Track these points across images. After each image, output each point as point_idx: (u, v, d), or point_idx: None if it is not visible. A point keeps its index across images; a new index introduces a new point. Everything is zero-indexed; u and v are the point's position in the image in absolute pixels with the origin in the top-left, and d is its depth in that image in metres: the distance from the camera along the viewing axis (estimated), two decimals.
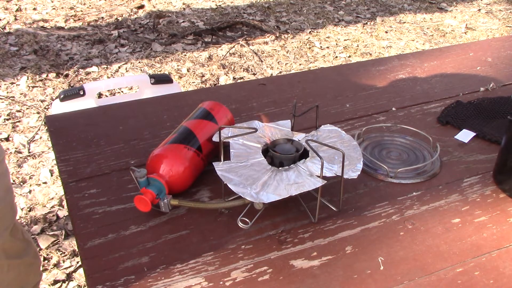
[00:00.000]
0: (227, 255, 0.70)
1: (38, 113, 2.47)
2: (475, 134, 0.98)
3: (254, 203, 0.73)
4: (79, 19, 3.50)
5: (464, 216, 0.78)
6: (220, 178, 0.73)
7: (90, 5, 3.75)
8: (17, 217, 1.10)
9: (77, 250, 0.68)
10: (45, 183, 2.02)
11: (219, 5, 3.89)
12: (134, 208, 0.76)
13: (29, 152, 2.20)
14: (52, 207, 1.89)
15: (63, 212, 1.86)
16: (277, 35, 3.41)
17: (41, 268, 1.21)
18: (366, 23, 3.72)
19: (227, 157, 0.79)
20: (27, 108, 2.50)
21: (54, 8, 3.67)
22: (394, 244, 0.72)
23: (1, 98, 2.57)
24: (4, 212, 1.02)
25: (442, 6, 4.12)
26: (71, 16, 3.55)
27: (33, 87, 2.68)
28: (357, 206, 0.80)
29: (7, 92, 2.63)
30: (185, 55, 3.10)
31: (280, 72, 2.96)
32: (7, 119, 2.42)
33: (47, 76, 2.78)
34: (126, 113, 1.04)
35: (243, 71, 2.94)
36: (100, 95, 2.52)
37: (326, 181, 0.72)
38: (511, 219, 0.78)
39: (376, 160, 0.88)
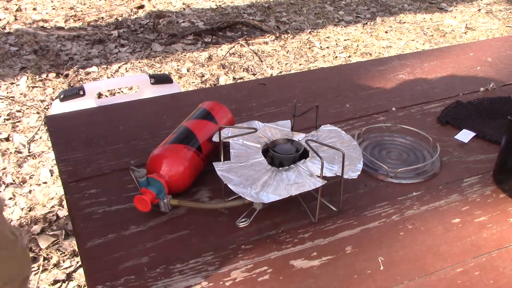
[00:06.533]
0: (227, 255, 0.70)
1: (38, 113, 2.47)
2: (475, 134, 0.98)
3: (253, 202, 0.73)
4: (79, 19, 3.50)
5: (464, 216, 0.78)
6: (220, 178, 0.73)
7: (90, 5, 3.75)
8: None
9: (77, 250, 0.68)
10: (45, 183, 2.02)
11: (219, 5, 3.89)
12: (134, 208, 0.76)
13: (29, 152, 2.20)
14: (52, 207, 1.89)
15: (63, 212, 1.86)
16: (277, 35, 3.41)
17: (30, 263, 1.20)
18: (366, 23, 3.72)
19: (227, 157, 0.79)
20: (27, 108, 2.50)
21: (54, 8, 3.67)
22: (394, 244, 0.72)
23: (1, 98, 2.57)
24: None
25: (442, 6, 4.12)
26: (71, 16, 3.55)
27: (33, 87, 2.68)
28: (357, 206, 0.80)
29: (7, 92, 2.63)
30: (185, 55, 3.10)
31: (280, 72, 2.96)
32: (7, 119, 2.42)
33: (47, 76, 2.78)
34: (126, 113, 1.04)
35: (243, 71, 2.94)
36: (100, 95, 2.52)
37: (326, 181, 0.72)
38: (511, 219, 0.78)
39: (376, 160, 0.88)
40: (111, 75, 2.84)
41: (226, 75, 2.88)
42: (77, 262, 1.66)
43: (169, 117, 1.03)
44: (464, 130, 1.00)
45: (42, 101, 2.57)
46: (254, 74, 2.92)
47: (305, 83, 1.19)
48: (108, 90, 2.53)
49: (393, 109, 1.08)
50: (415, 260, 0.70)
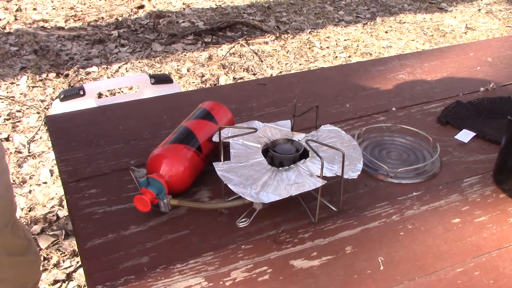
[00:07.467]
0: (227, 255, 0.70)
1: (38, 113, 2.47)
2: (475, 134, 0.98)
3: (253, 202, 0.73)
4: (79, 19, 3.50)
5: (464, 216, 0.78)
6: (220, 178, 0.73)
7: (90, 5, 3.75)
8: (17, 217, 1.11)
9: (77, 250, 0.68)
10: (45, 183, 2.02)
11: (219, 5, 3.89)
12: (134, 208, 0.76)
13: (29, 152, 2.20)
14: (52, 207, 1.89)
15: (63, 212, 1.86)
16: (277, 35, 3.41)
17: (41, 267, 1.22)
18: (366, 23, 3.72)
19: (227, 157, 0.79)
20: (27, 108, 2.50)
21: (54, 8, 3.67)
22: (394, 244, 0.72)
23: (1, 98, 2.57)
24: (4, 209, 1.03)
25: (442, 6, 4.12)
26: (71, 16, 3.55)
27: (33, 87, 2.68)
28: (357, 206, 0.80)
29: (7, 92, 2.63)
30: (185, 55, 3.10)
31: (280, 72, 2.96)
32: (7, 119, 2.42)
33: (47, 76, 2.78)
34: (126, 113, 1.04)
35: (243, 71, 2.94)
36: (100, 95, 2.52)
37: (326, 181, 0.72)
38: (511, 219, 0.78)
39: (376, 160, 0.88)
40: (111, 75, 2.84)
41: (226, 75, 2.88)
42: (77, 262, 1.66)
43: (169, 117, 1.03)
44: (464, 130, 1.00)
45: (42, 101, 2.57)
46: (254, 74, 2.92)
47: (305, 83, 1.19)
48: (108, 90, 2.53)
49: (393, 109, 1.08)
50: (415, 260, 0.70)
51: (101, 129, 0.99)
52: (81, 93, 1.73)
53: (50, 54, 3.01)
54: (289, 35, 3.44)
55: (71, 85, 2.71)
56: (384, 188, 0.84)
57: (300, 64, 3.08)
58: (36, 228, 1.78)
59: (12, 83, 2.70)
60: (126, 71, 2.89)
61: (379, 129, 1.00)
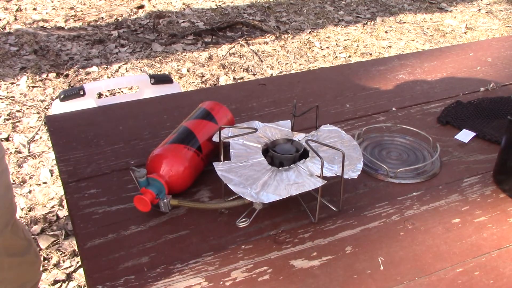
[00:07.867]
0: (227, 255, 0.70)
1: (38, 113, 2.47)
2: (475, 134, 0.98)
3: (253, 202, 0.73)
4: (79, 19, 3.50)
5: (464, 216, 0.78)
6: (220, 178, 0.73)
7: (90, 5, 3.75)
8: (17, 217, 1.11)
9: (77, 250, 0.68)
10: (45, 183, 2.02)
11: (219, 5, 3.89)
12: (134, 208, 0.76)
13: (29, 152, 2.20)
14: (52, 207, 1.89)
15: (63, 212, 1.86)
16: (277, 35, 3.41)
17: (41, 268, 1.22)
18: (366, 23, 3.72)
19: (227, 157, 0.79)
20: (27, 108, 2.50)
21: (54, 8, 3.67)
22: (394, 244, 0.73)
23: (1, 98, 2.57)
24: (4, 209, 1.03)
25: (442, 6, 4.12)
26: (71, 16, 3.55)
27: (33, 87, 2.68)
28: (357, 206, 0.80)
29: (7, 92, 2.63)
30: (185, 55, 3.10)
31: (280, 72, 2.96)
32: (7, 119, 2.42)
33: (47, 76, 2.78)
34: (126, 113, 1.04)
35: (243, 71, 2.94)
36: (100, 95, 2.52)
37: (326, 181, 0.72)
38: (511, 219, 0.78)
39: (376, 160, 0.88)
40: (111, 75, 2.84)
41: (226, 75, 2.88)
42: (77, 262, 1.66)
43: (169, 117, 1.03)
44: (464, 130, 1.00)
45: (42, 101, 2.57)
46: (254, 74, 2.92)
47: (305, 83, 1.19)
48: (108, 90, 2.53)
49: (393, 109, 1.08)
50: (415, 260, 0.70)
51: (101, 129, 0.99)
52: (81, 93, 1.73)
53: (50, 54, 3.01)
54: (289, 35, 3.44)
55: (71, 85, 2.72)
56: (384, 188, 0.84)
57: (300, 64, 3.08)
58: (36, 228, 1.78)
59: (12, 83, 2.70)
60: (126, 71, 2.89)
61: (379, 129, 1.00)
